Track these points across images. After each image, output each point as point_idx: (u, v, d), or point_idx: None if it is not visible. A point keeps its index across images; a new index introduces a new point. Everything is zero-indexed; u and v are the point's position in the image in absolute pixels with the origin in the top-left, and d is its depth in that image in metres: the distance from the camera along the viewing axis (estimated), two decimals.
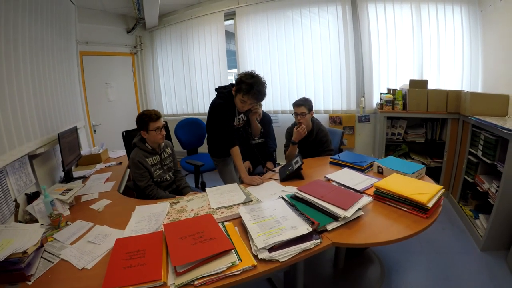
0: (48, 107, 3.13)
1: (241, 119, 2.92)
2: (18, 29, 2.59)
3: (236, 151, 2.66)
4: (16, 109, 2.44)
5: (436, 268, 2.62)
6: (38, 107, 2.87)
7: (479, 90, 3.92)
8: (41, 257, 1.59)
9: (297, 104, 3.12)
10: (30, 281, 1.40)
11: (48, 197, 2.04)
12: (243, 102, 2.63)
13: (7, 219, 2.08)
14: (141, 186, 2.60)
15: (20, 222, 2.10)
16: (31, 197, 2.36)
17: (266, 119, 3.48)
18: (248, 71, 2.63)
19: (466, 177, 3.32)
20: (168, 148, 2.88)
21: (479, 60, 3.93)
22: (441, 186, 1.92)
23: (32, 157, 2.67)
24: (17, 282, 1.39)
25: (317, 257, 2.73)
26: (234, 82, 2.75)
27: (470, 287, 2.39)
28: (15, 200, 2.20)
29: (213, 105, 2.80)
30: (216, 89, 2.84)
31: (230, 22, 5.35)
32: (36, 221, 2.04)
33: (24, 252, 1.41)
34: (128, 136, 3.22)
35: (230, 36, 5.73)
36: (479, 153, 3.00)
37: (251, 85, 2.52)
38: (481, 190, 2.95)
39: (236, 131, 2.87)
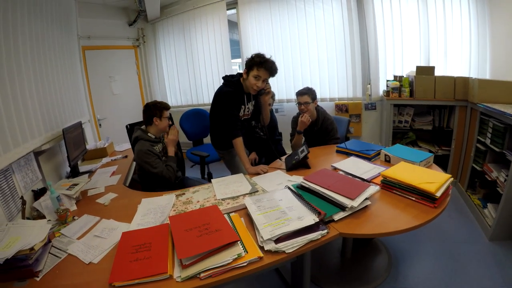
0: (52, 103, 3.12)
1: (249, 109, 2.84)
2: (17, 25, 2.56)
3: (239, 141, 2.61)
4: (19, 107, 2.42)
5: (443, 258, 2.60)
6: (41, 104, 2.85)
7: (487, 76, 3.82)
8: (49, 252, 1.60)
9: (300, 93, 3.11)
10: (38, 277, 1.41)
11: (54, 192, 2.04)
12: (257, 78, 2.53)
13: (15, 216, 2.08)
14: (158, 174, 2.62)
15: (28, 218, 2.10)
16: (38, 194, 2.36)
17: (272, 122, 3.40)
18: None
19: (474, 165, 3.27)
20: None
21: (487, 46, 3.82)
22: (450, 175, 1.89)
23: (37, 153, 2.67)
24: (25, 278, 1.39)
25: (325, 247, 2.70)
26: (240, 72, 2.71)
27: (478, 277, 2.36)
28: (22, 197, 2.20)
29: (220, 92, 2.71)
30: (223, 77, 2.77)
31: (233, 11, 5.29)
32: (44, 217, 2.05)
33: (32, 249, 1.41)
34: (132, 129, 3.21)
35: (233, 25, 5.67)
36: (488, 141, 2.95)
37: (263, 58, 2.50)
38: (489, 179, 2.90)
39: (241, 122, 2.81)
